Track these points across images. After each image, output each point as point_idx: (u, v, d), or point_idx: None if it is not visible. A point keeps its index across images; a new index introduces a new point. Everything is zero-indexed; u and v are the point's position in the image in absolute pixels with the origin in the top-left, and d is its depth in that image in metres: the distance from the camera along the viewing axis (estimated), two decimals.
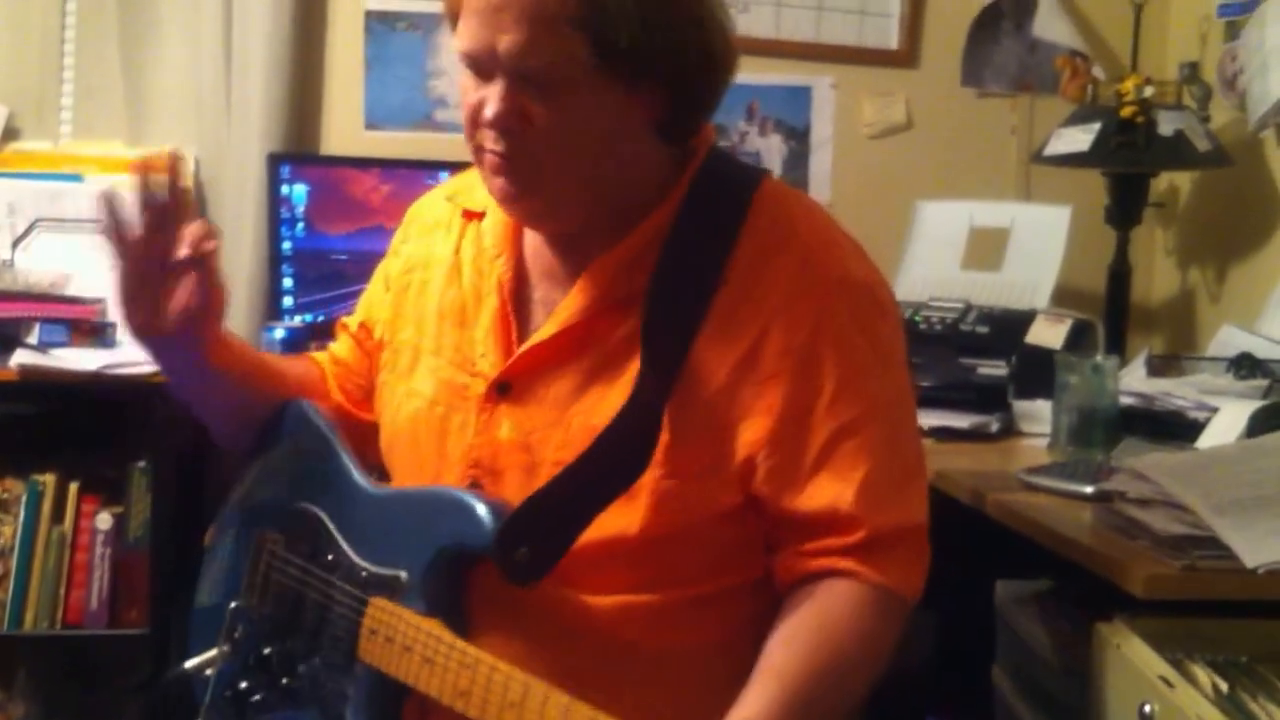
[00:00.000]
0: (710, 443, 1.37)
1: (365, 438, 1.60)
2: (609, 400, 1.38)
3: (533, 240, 1.50)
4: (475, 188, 1.54)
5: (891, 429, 1.41)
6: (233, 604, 1.56)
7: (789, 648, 1.31)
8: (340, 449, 1.55)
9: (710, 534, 1.39)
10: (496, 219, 1.52)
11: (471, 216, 1.55)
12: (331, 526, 1.49)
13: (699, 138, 1.47)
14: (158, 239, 1.42)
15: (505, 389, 1.44)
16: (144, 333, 1.47)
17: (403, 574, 1.39)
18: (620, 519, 1.36)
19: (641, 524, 1.36)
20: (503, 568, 1.32)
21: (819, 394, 1.37)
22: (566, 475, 1.35)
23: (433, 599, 1.36)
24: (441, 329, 1.52)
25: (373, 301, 1.66)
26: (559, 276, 1.47)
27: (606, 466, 1.35)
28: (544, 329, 1.43)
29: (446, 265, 1.55)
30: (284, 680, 1.49)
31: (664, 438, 1.35)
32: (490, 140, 1.38)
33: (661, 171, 1.44)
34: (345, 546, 1.46)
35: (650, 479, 1.36)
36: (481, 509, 1.35)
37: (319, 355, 1.73)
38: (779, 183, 1.50)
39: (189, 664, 1.59)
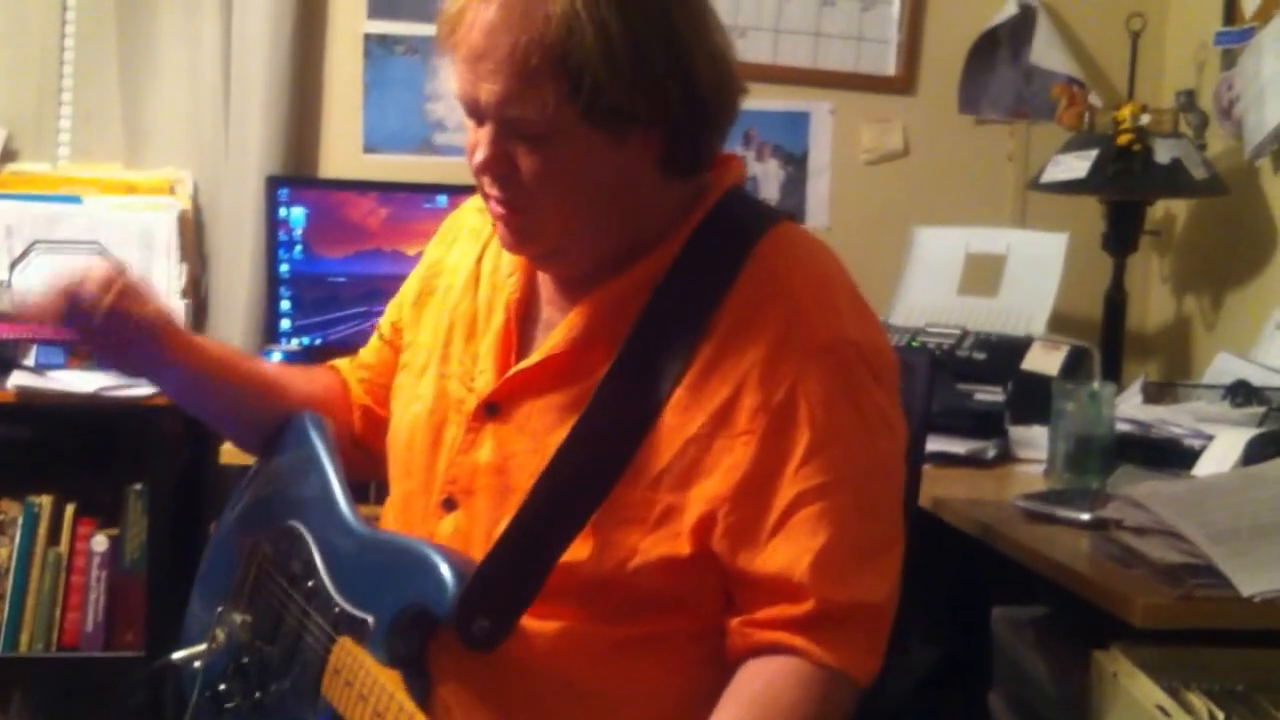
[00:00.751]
0: (670, 492, 1.35)
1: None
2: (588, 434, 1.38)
3: None
4: None
5: (863, 499, 1.35)
6: (219, 607, 1.58)
7: None
8: (333, 476, 1.54)
9: (653, 584, 1.36)
10: None
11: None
12: (316, 554, 1.49)
13: (720, 175, 1.46)
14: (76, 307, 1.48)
15: (493, 409, 1.44)
16: (109, 362, 1.55)
17: (370, 619, 1.38)
18: (570, 552, 1.35)
19: (589, 564, 1.35)
20: (462, 638, 1.31)
21: (788, 455, 1.33)
22: (516, 527, 1.35)
23: (395, 652, 1.35)
24: (451, 338, 1.53)
25: (403, 302, 1.66)
26: (560, 303, 1.47)
27: (554, 513, 1.34)
28: (532, 355, 1.44)
29: (467, 274, 1.56)
30: (257, 694, 1.49)
31: (626, 482, 1.34)
32: (488, 185, 1.39)
33: (672, 208, 1.42)
34: (326, 578, 1.46)
35: (604, 518, 1.35)
36: (445, 572, 1.33)
37: (341, 362, 1.74)
38: (792, 229, 1.46)
39: (176, 656, 1.60)
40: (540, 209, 1.37)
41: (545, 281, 1.49)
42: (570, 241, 1.40)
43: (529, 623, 1.35)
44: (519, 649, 1.35)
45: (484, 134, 1.35)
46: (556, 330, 1.43)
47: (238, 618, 1.55)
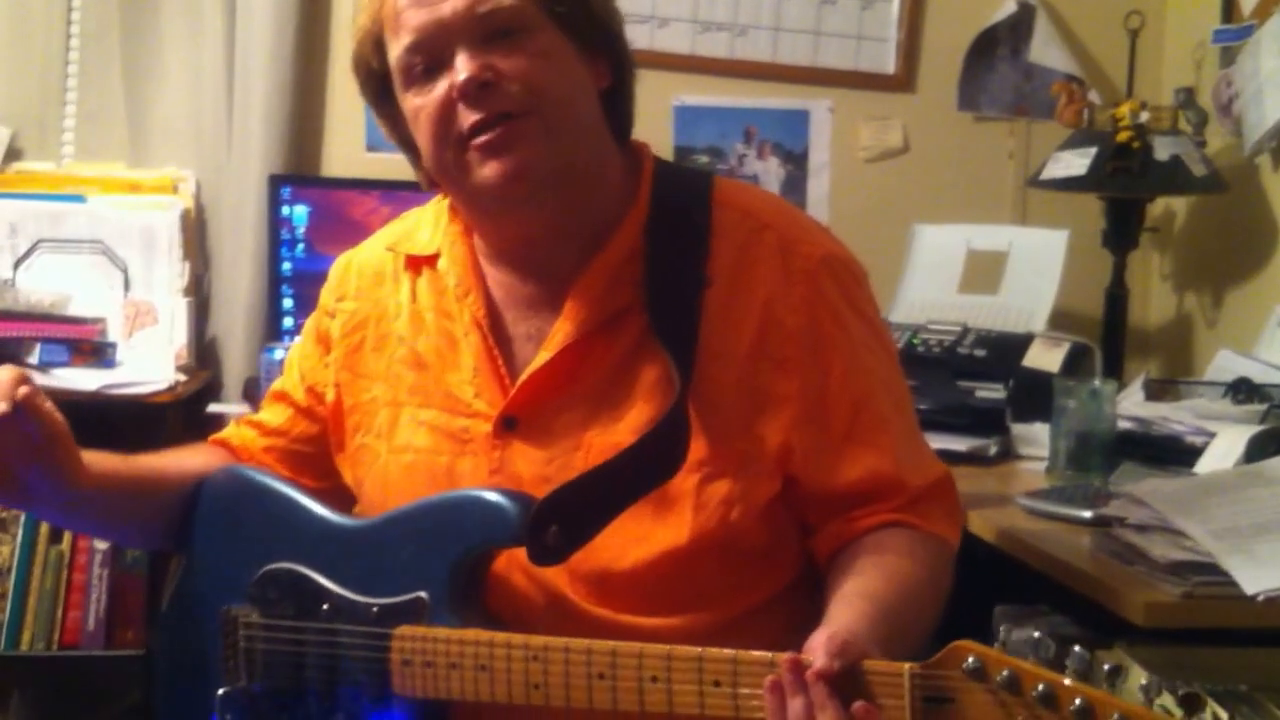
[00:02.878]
0: (737, 438, 1.39)
1: None
2: (629, 416, 1.40)
3: (498, 275, 1.49)
4: (416, 233, 1.55)
5: (894, 392, 1.47)
6: (221, 691, 1.48)
7: (864, 578, 1.33)
8: (299, 494, 1.50)
9: (751, 537, 1.40)
10: (455, 257, 1.50)
11: (418, 263, 1.53)
12: (316, 576, 1.44)
13: (641, 150, 1.51)
14: None
15: (512, 423, 1.43)
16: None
17: (423, 595, 1.36)
18: (668, 532, 1.37)
19: (690, 534, 1.37)
20: (530, 546, 1.32)
21: (830, 372, 1.41)
22: (603, 469, 1.35)
23: (461, 611, 1.35)
24: (423, 379, 1.49)
25: (313, 365, 1.61)
26: (536, 305, 1.46)
27: (643, 464, 1.36)
28: (539, 357, 1.43)
29: (407, 315, 1.52)
30: None
31: (695, 441, 1.37)
32: (469, 112, 1.36)
33: (620, 175, 1.47)
34: (340, 590, 1.42)
35: (691, 484, 1.37)
36: (500, 499, 1.35)
37: (231, 433, 1.67)
38: (727, 179, 1.55)
39: None
40: (533, 105, 1.37)
41: (507, 292, 1.48)
42: (558, 150, 1.38)
43: (628, 618, 1.37)
44: (615, 638, 1.33)
45: (459, 60, 1.36)
46: (557, 327, 1.43)
47: (245, 693, 1.47)
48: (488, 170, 1.38)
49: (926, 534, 1.41)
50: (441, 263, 1.51)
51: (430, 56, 1.38)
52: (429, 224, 1.55)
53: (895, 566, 1.35)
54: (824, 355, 1.41)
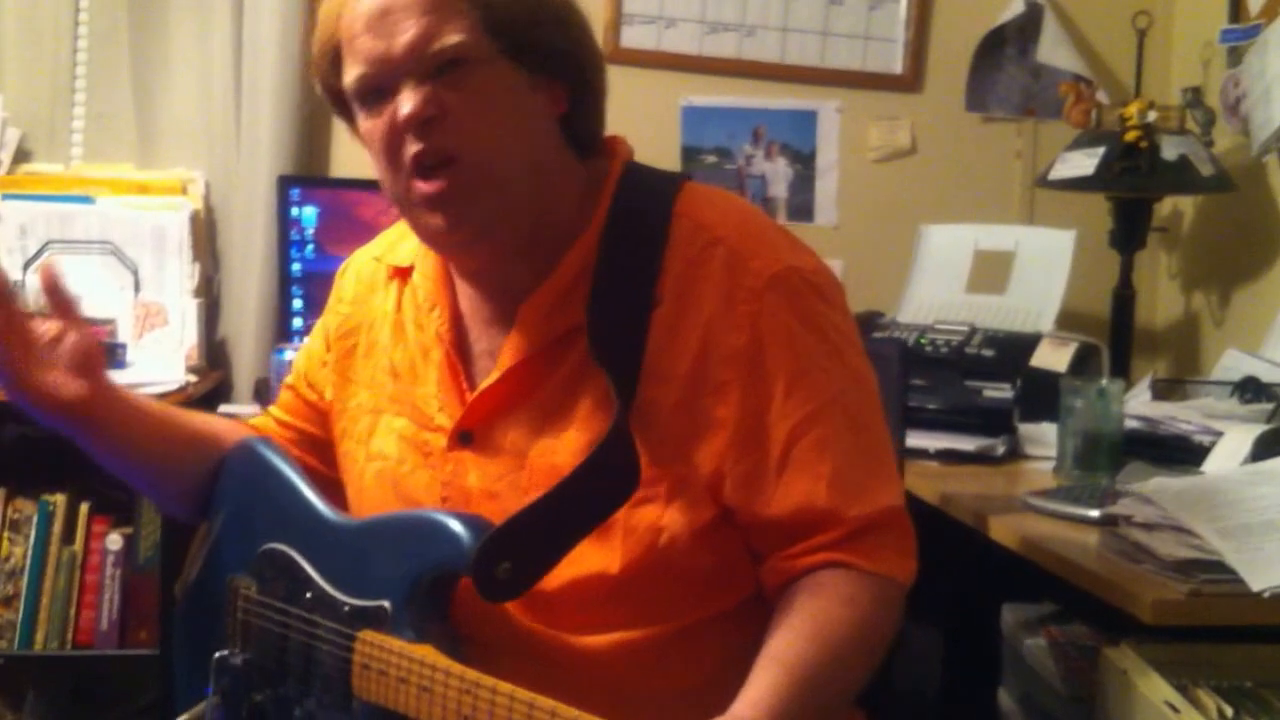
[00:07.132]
0: (674, 462, 1.36)
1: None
2: (567, 437, 1.39)
3: (465, 289, 1.49)
4: (400, 243, 1.56)
5: (851, 417, 1.39)
6: (216, 654, 1.52)
7: (789, 636, 1.29)
8: (301, 482, 1.53)
9: (689, 560, 1.37)
10: (425, 271, 1.51)
11: (400, 274, 1.55)
12: (305, 564, 1.47)
13: (612, 154, 1.48)
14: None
15: (467, 438, 1.44)
16: (42, 407, 1.47)
17: (386, 604, 1.37)
18: (599, 557, 1.35)
19: (621, 561, 1.35)
20: (481, 583, 1.31)
21: (771, 395, 1.36)
22: (551, 497, 1.34)
23: (420, 626, 1.36)
24: (397, 389, 1.52)
25: (312, 363, 1.65)
26: (494, 321, 1.46)
27: (590, 491, 1.34)
28: (490, 375, 1.43)
29: (390, 324, 1.54)
30: None
31: None
32: (412, 147, 1.36)
33: (579, 191, 1.44)
34: (322, 582, 1.45)
35: (622, 513, 1.35)
36: (459, 526, 1.35)
37: (259, 421, 1.71)
38: (697, 186, 1.48)
39: (181, 718, 1.57)
40: (472, 150, 1.36)
41: (472, 307, 1.48)
42: (504, 200, 1.37)
43: (572, 635, 1.37)
44: (564, 659, 1.35)
45: (404, 94, 1.35)
46: (506, 345, 1.43)
47: (237, 661, 1.51)
48: (432, 221, 1.39)
49: (869, 574, 1.34)
50: (415, 275, 1.52)
51: (379, 87, 1.37)
52: (412, 235, 1.55)
53: (825, 618, 1.30)
54: (765, 378, 1.36)
